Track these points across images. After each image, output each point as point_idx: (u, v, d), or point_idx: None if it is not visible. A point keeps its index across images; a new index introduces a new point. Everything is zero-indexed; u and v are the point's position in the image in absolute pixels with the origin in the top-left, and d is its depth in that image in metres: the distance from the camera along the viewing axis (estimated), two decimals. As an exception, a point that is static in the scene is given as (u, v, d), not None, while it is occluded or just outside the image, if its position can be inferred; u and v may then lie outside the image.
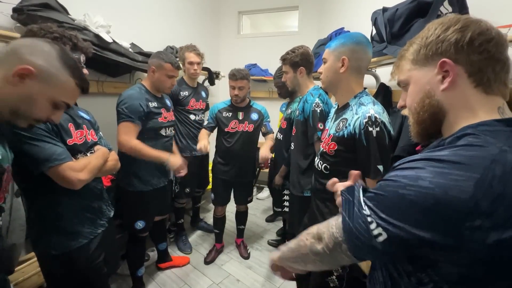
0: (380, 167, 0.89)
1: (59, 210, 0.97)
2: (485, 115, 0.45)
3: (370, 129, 0.89)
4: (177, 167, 1.54)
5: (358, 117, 0.92)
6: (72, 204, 0.99)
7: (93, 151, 1.07)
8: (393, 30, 1.26)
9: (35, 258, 1.36)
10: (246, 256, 2.16)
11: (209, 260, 2.10)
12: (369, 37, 1.55)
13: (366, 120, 0.89)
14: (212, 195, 2.09)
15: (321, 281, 1.08)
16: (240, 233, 2.24)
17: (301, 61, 1.46)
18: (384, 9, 1.36)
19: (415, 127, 0.54)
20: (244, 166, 1.96)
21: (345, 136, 0.95)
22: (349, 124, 0.95)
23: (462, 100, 0.47)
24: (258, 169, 3.10)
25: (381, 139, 0.89)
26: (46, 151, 0.86)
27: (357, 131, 0.91)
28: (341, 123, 0.99)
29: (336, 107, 1.12)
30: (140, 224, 1.60)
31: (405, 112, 0.59)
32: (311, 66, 1.50)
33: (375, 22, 1.44)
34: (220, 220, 2.13)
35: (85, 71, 1.03)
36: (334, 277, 1.05)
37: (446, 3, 1.06)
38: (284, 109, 2.54)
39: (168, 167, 1.53)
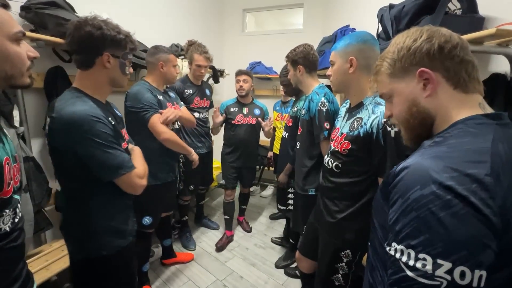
0: None
1: (111, 211, 0.96)
2: (469, 111, 0.49)
3: (389, 129, 0.88)
4: (195, 162, 1.74)
5: (376, 117, 0.91)
6: (119, 204, 0.99)
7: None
8: (399, 27, 1.24)
9: (43, 253, 1.39)
10: (249, 230, 2.51)
11: (219, 246, 2.23)
12: (375, 35, 1.54)
13: (385, 119, 0.89)
14: (223, 180, 2.32)
15: (327, 280, 1.08)
16: (242, 212, 2.58)
17: (299, 59, 1.46)
18: (391, 6, 1.34)
19: (407, 134, 0.58)
20: (249, 153, 2.28)
21: (361, 135, 0.94)
22: (365, 123, 0.94)
23: (446, 102, 0.50)
24: (262, 167, 3.11)
25: (399, 139, 0.87)
26: (118, 159, 0.87)
27: (374, 130, 0.91)
28: (355, 122, 0.98)
29: (348, 105, 1.11)
30: (147, 220, 1.61)
31: (393, 121, 0.61)
32: (311, 65, 1.48)
33: (381, 19, 1.42)
34: (230, 205, 2.33)
35: (131, 70, 1.07)
36: (339, 275, 1.05)
37: (454, 0, 1.04)
38: (278, 107, 2.61)
39: (191, 159, 1.72)
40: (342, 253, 1.04)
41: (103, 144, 0.83)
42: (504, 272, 0.37)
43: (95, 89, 0.93)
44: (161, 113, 1.48)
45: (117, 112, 1.09)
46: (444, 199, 0.38)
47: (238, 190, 2.45)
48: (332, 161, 1.06)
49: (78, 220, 0.92)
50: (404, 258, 0.40)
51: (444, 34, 0.50)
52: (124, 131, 1.07)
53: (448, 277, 0.36)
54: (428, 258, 0.38)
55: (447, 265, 0.36)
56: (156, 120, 1.46)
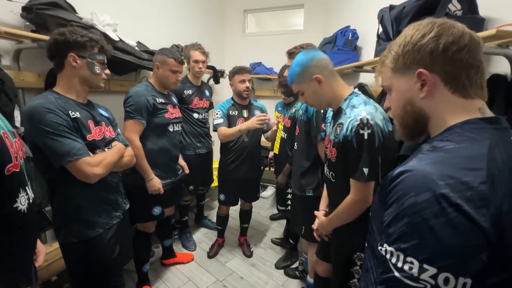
0: (366, 170, 0.89)
1: (79, 201, 1.03)
2: (467, 116, 0.48)
3: (362, 131, 0.88)
4: (153, 190, 1.53)
5: (351, 120, 0.92)
6: (90, 196, 1.05)
7: (110, 146, 1.12)
8: (400, 28, 1.24)
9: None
10: (249, 254, 2.18)
11: (212, 254, 2.15)
12: (375, 35, 1.54)
13: (358, 122, 0.89)
14: (223, 196, 2.06)
15: (343, 285, 1.05)
16: (243, 231, 2.26)
17: None
18: (391, 7, 1.34)
19: (401, 130, 0.59)
20: (252, 162, 1.98)
21: (341, 140, 0.95)
22: (344, 128, 0.95)
23: (442, 106, 0.50)
24: (262, 167, 3.10)
25: (372, 141, 0.89)
26: (66, 146, 0.92)
27: (349, 133, 0.92)
28: (338, 128, 0.99)
29: (332, 112, 1.11)
30: (157, 210, 1.63)
31: (390, 114, 0.62)
32: None
33: (381, 20, 1.42)
34: (224, 218, 2.19)
35: (107, 71, 1.11)
36: (355, 280, 1.02)
37: (454, 0, 1.04)
38: (280, 108, 2.58)
39: (146, 184, 1.52)
40: (355, 255, 1.02)
41: (52, 132, 0.91)
42: (499, 277, 0.37)
43: (69, 89, 1.03)
44: (142, 123, 1.46)
45: (102, 112, 1.17)
46: (437, 207, 0.39)
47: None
48: (329, 170, 1.07)
49: (54, 208, 1.04)
50: (393, 260, 0.42)
51: (454, 34, 0.47)
52: (109, 129, 1.15)
53: (432, 282, 0.38)
54: (415, 262, 0.39)
55: (432, 270, 0.38)
56: (127, 126, 1.45)
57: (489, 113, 0.49)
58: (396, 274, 0.41)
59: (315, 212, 1.22)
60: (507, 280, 0.39)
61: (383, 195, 0.49)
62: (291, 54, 1.50)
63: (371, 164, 0.89)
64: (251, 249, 2.23)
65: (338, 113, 1.02)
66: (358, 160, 0.90)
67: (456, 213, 0.37)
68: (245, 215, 2.21)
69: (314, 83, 1.00)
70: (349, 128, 0.91)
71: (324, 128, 1.29)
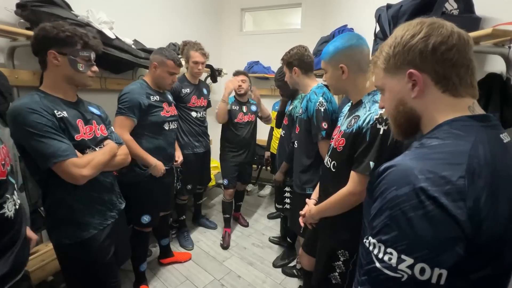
0: (372, 164, 0.89)
1: (70, 202, 1.01)
2: (456, 114, 0.49)
3: (379, 126, 0.89)
4: (159, 175, 1.58)
5: (370, 113, 0.92)
6: (82, 197, 1.03)
7: (102, 145, 1.09)
8: (397, 27, 1.25)
9: (39, 253, 1.38)
10: (246, 225, 2.61)
11: (226, 245, 2.28)
12: (372, 35, 1.55)
13: (378, 116, 0.89)
14: (226, 180, 2.33)
15: (324, 278, 1.09)
16: (238, 208, 2.66)
17: (294, 61, 1.46)
18: (388, 6, 1.35)
19: (395, 129, 0.60)
20: (249, 149, 2.38)
21: (353, 131, 0.95)
22: (360, 120, 0.95)
23: (433, 105, 0.51)
24: (260, 166, 3.12)
25: (386, 138, 0.89)
26: (51, 148, 0.89)
27: (364, 125, 0.92)
28: (353, 120, 0.99)
29: (350, 104, 1.11)
30: (146, 219, 1.61)
31: (384, 113, 0.63)
32: (306, 66, 1.48)
33: (378, 19, 1.42)
34: (230, 204, 2.41)
35: (94, 68, 1.06)
36: (336, 274, 1.06)
37: (451, 0, 1.05)
38: (277, 107, 2.61)
39: (151, 171, 1.56)
40: (339, 251, 1.04)
41: (36, 133, 0.87)
42: (482, 273, 0.39)
43: (55, 87, 1.00)
44: (133, 120, 1.46)
45: (93, 110, 1.14)
46: (415, 200, 0.40)
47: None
48: (331, 160, 1.07)
49: (46, 210, 1.02)
50: (375, 251, 0.44)
51: (442, 34, 0.48)
52: (101, 127, 1.12)
53: (409, 272, 0.40)
54: (394, 253, 0.41)
55: (409, 260, 0.40)
56: (117, 122, 1.44)
57: (479, 111, 0.50)
58: (377, 264, 0.43)
59: (306, 200, 1.25)
60: (492, 277, 0.40)
61: (371, 190, 0.50)
62: (282, 60, 1.54)
63: (378, 159, 0.89)
64: (247, 221, 2.65)
65: (357, 105, 1.02)
66: (367, 153, 0.90)
67: (433, 206, 0.39)
68: (239, 195, 2.59)
69: (338, 71, 1.00)
70: (367, 121, 0.91)
71: (325, 127, 1.29)
